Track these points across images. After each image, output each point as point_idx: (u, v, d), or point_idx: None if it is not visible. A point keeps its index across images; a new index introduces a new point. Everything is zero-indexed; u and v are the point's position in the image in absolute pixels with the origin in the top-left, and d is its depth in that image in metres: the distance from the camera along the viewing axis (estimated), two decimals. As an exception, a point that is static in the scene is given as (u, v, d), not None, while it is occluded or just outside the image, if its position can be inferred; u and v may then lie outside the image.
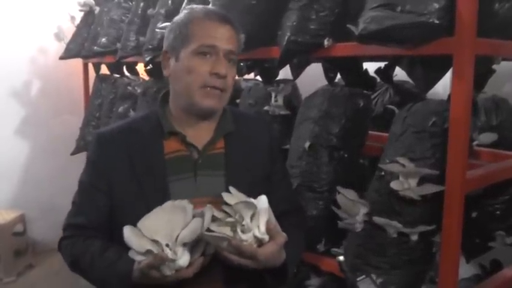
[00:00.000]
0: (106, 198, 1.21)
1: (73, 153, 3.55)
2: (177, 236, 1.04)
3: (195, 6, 1.28)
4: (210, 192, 1.18)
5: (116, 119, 3.05)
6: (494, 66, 1.67)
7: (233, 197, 1.11)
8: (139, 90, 2.82)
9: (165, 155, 1.21)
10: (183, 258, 1.04)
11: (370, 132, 1.77)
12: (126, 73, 3.20)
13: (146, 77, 2.98)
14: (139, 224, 1.07)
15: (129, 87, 2.94)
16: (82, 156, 3.68)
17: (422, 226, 1.32)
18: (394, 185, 1.32)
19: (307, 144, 1.64)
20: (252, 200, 1.08)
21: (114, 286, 1.14)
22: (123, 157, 1.21)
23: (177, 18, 1.25)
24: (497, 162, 1.61)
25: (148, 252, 1.04)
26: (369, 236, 1.40)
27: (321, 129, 1.65)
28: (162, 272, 1.03)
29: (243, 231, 1.06)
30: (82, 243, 1.21)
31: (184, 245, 1.05)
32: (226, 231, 1.07)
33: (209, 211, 1.06)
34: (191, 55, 1.18)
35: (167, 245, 1.04)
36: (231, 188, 1.14)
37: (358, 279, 1.35)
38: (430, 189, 1.29)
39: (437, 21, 1.21)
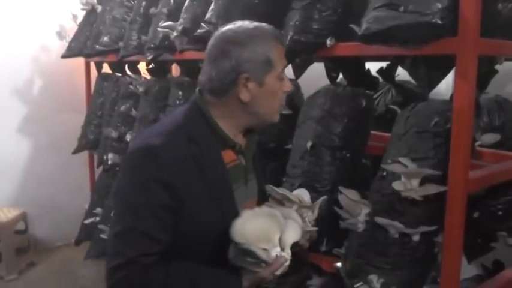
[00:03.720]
0: (174, 217, 1.13)
1: (75, 152, 3.55)
2: (279, 239, 1.12)
3: (258, 24, 1.21)
4: (253, 194, 1.31)
5: (118, 117, 3.05)
6: (497, 67, 1.66)
7: (288, 192, 1.27)
8: (141, 89, 2.83)
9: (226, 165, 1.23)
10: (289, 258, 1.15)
11: (372, 132, 1.76)
12: (128, 72, 3.20)
13: (148, 76, 2.98)
14: (237, 236, 1.09)
15: (131, 86, 2.94)
16: (84, 155, 3.69)
17: (424, 226, 1.31)
18: (396, 185, 1.32)
19: (309, 144, 1.64)
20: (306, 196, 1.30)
21: None
22: (193, 171, 1.15)
23: (249, 41, 1.17)
24: (500, 162, 1.61)
25: (267, 257, 1.09)
26: (371, 236, 1.40)
27: (323, 129, 1.65)
28: (275, 273, 1.12)
29: (310, 223, 1.27)
30: (170, 277, 1.13)
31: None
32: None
33: (295, 213, 1.21)
34: (276, 80, 1.21)
35: (282, 249, 1.12)
36: (269, 186, 1.31)
37: (355, 285, 1.35)
38: (432, 189, 1.29)
39: (440, 21, 1.20)
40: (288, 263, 1.13)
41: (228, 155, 1.23)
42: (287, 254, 1.12)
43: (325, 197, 1.29)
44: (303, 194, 1.28)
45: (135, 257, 1.10)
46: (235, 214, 1.14)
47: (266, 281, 1.14)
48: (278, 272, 1.12)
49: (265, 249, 1.09)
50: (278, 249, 1.11)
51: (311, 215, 1.26)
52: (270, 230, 1.11)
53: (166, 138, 1.15)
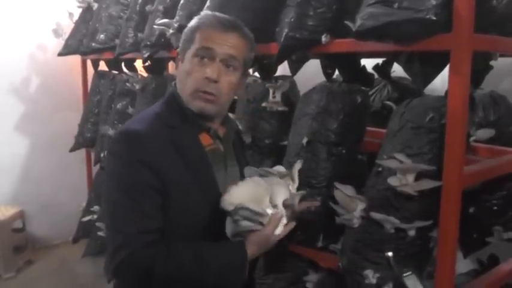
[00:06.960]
0: (161, 197, 1.18)
1: (72, 150, 3.55)
2: (269, 201, 1.18)
3: (204, 13, 1.36)
4: (234, 180, 1.32)
5: (115, 115, 3.05)
6: (492, 63, 1.67)
7: (265, 168, 1.35)
8: (137, 87, 2.83)
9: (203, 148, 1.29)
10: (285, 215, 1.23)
11: (368, 128, 1.77)
12: (125, 69, 3.20)
13: (144, 74, 2.98)
14: (228, 205, 1.15)
15: (128, 84, 2.94)
16: (81, 153, 3.69)
17: (419, 221, 1.32)
18: (391, 180, 1.33)
19: (305, 140, 1.64)
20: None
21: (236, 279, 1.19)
22: (173, 153, 1.21)
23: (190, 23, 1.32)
24: (495, 157, 1.62)
25: (263, 210, 1.15)
26: (367, 232, 1.40)
27: (319, 125, 1.65)
28: (275, 234, 1.19)
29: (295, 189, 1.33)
30: (173, 252, 1.14)
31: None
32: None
33: (277, 178, 1.27)
34: (191, 57, 1.24)
35: (274, 206, 1.19)
36: (249, 168, 1.36)
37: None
38: (427, 184, 1.29)
39: (434, 18, 1.20)
40: (284, 221, 1.20)
41: (205, 139, 1.30)
42: (281, 210, 1.19)
43: (300, 162, 1.37)
44: (278, 168, 1.35)
45: (135, 234, 1.12)
46: (217, 193, 1.22)
47: (271, 244, 1.20)
48: (278, 231, 1.18)
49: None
50: (270, 208, 1.17)
51: (293, 184, 1.33)
52: (258, 194, 1.16)
53: (145, 124, 1.23)
